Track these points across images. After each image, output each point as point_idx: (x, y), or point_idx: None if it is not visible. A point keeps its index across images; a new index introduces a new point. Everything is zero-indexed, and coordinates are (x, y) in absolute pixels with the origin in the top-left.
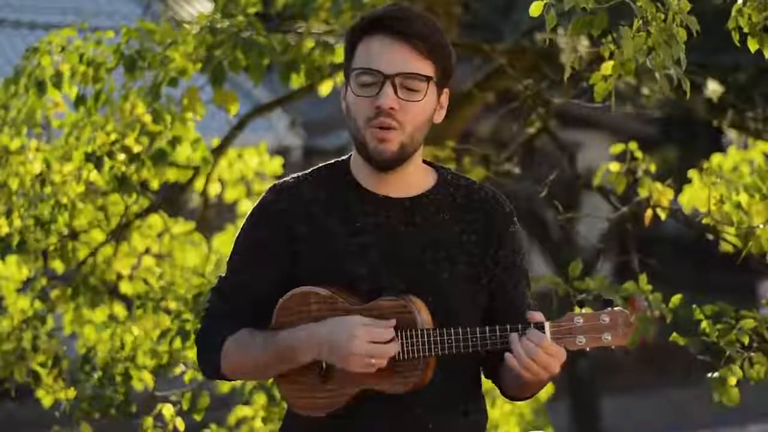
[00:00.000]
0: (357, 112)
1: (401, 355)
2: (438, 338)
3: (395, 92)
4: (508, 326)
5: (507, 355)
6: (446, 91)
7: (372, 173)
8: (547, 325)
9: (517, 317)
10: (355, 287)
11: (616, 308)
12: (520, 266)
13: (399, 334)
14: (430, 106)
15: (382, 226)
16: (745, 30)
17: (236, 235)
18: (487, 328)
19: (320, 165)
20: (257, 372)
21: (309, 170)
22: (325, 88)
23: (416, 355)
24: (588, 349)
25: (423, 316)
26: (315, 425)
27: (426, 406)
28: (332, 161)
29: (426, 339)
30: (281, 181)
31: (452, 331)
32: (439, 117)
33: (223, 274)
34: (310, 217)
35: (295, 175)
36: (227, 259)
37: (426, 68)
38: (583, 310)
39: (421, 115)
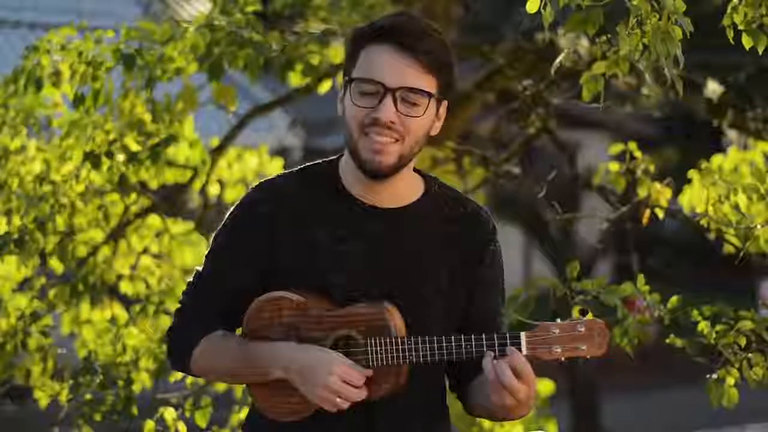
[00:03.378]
0: (353, 119)
1: (374, 363)
2: (412, 346)
3: (395, 105)
4: (484, 335)
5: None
6: (444, 102)
7: (361, 180)
8: (522, 335)
9: (489, 334)
10: (331, 294)
11: (592, 318)
12: (498, 284)
13: (371, 341)
14: (429, 121)
15: (366, 236)
16: (741, 27)
17: (216, 229)
18: (463, 337)
19: (310, 164)
20: (228, 378)
21: (298, 169)
22: (325, 88)
23: (389, 363)
24: (563, 359)
25: (396, 323)
26: (277, 427)
27: (390, 417)
28: (321, 162)
29: (399, 347)
30: (268, 179)
31: (426, 339)
32: (435, 130)
33: (200, 269)
34: (294, 220)
35: (282, 173)
36: (205, 253)
37: (429, 84)
38: (558, 320)
39: (420, 130)
